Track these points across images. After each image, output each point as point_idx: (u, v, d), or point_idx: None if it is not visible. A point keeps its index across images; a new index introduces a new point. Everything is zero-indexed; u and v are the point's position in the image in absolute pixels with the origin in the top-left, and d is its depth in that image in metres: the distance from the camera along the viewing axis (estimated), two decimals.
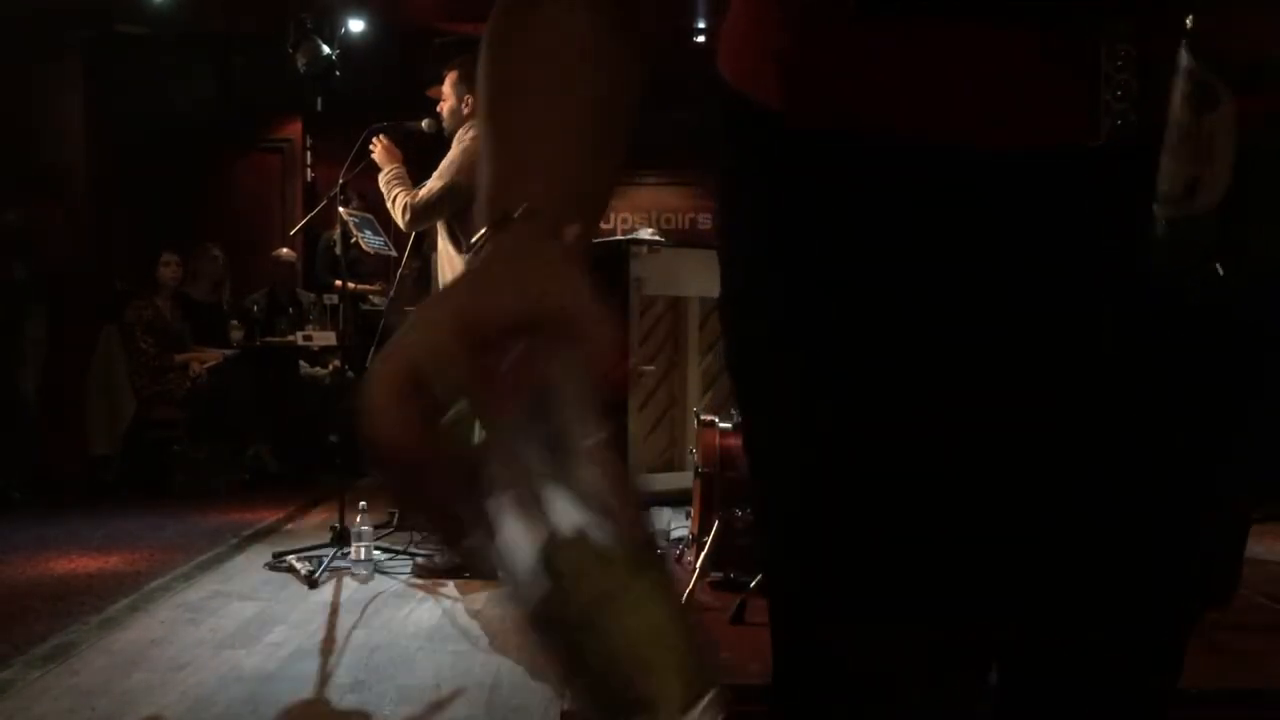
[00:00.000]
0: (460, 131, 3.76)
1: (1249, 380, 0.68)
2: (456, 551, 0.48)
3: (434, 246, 3.97)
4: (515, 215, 0.53)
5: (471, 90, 3.77)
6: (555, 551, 0.43)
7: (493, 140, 0.61)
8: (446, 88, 3.82)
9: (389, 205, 3.75)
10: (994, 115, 0.62)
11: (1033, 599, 0.71)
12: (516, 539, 0.44)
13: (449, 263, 3.73)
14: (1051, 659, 0.72)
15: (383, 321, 4.55)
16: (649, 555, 0.45)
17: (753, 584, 2.91)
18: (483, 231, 0.54)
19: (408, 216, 3.68)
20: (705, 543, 3.15)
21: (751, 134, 0.71)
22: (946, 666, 0.71)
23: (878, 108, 0.64)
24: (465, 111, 3.77)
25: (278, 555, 3.94)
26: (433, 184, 3.66)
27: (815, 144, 0.66)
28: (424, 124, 3.86)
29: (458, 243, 3.71)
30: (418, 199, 3.64)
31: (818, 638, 0.74)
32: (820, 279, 0.68)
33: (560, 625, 0.44)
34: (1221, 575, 0.75)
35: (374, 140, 3.82)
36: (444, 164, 3.69)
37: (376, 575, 3.79)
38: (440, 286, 3.75)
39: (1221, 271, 0.57)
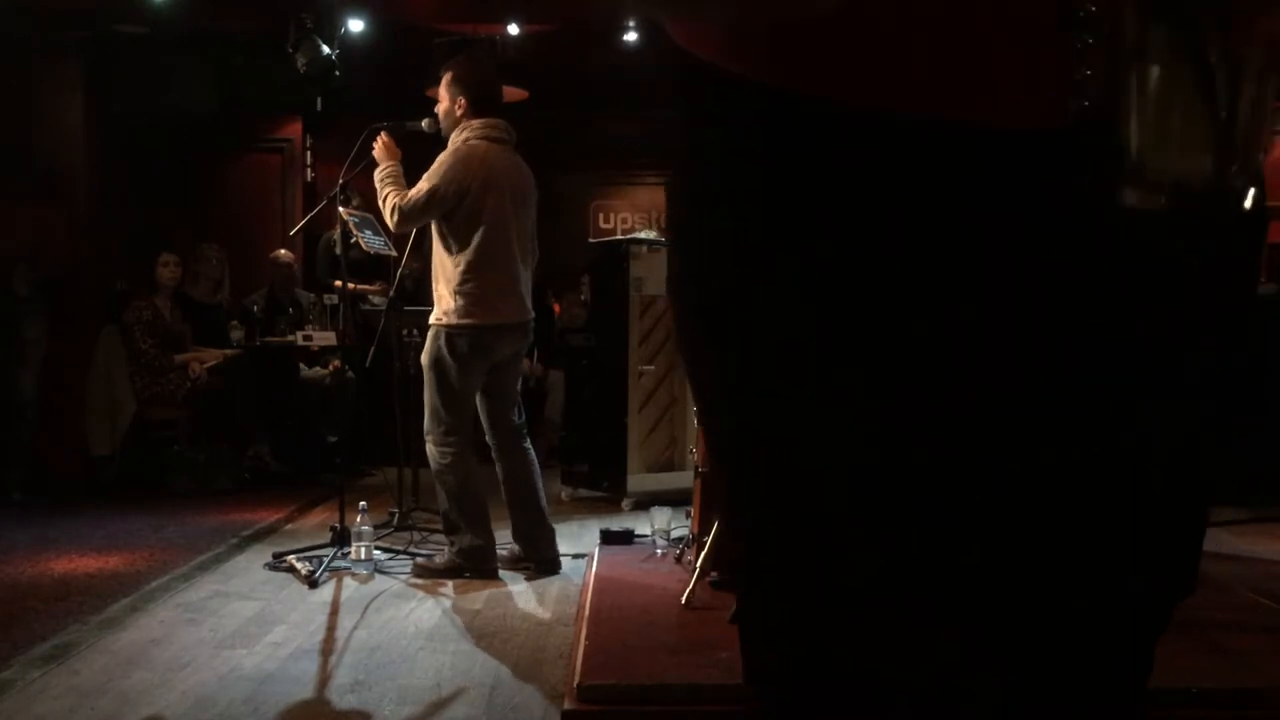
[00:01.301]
0: (454, 134, 3.76)
1: (1227, 344, 0.68)
2: None
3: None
4: None
5: (464, 92, 3.76)
6: None
7: None
8: (441, 90, 3.81)
9: (379, 203, 3.73)
10: (961, 88, 0.61)
11: (1025, 596, 0.70)
12: None
13: (442, 268, 3.72)
14: (1043, 660, 0.71)
15: (382, 321, 4.54)
16: None
17: None
18: None
19: (395, 218, 3.67)
20: (705, 543, 3.16)
21: (723, 104, 0.69)
22: (938, 667, 0.70)
23: (846, 74, 0.63)
24: (458, 113, 3.75)
25: (278, 555, 3.94)
26: (421, 185, 3.65)
27: (791, 110, 0.65)
28: (424, 124, 3.85)
29: (449, 247, 3.70)
30: (405, 200, 3.63)
31: (804, 636, 0.73)
32: (790, 253, 0.66)
33: None
34: (1188, 563, 0.75)
35: (377, 137, 3.81)
36: (433, 168, 3.68)
37: (376, 575, 3.80)
38: (435, 292, 3.75)
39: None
